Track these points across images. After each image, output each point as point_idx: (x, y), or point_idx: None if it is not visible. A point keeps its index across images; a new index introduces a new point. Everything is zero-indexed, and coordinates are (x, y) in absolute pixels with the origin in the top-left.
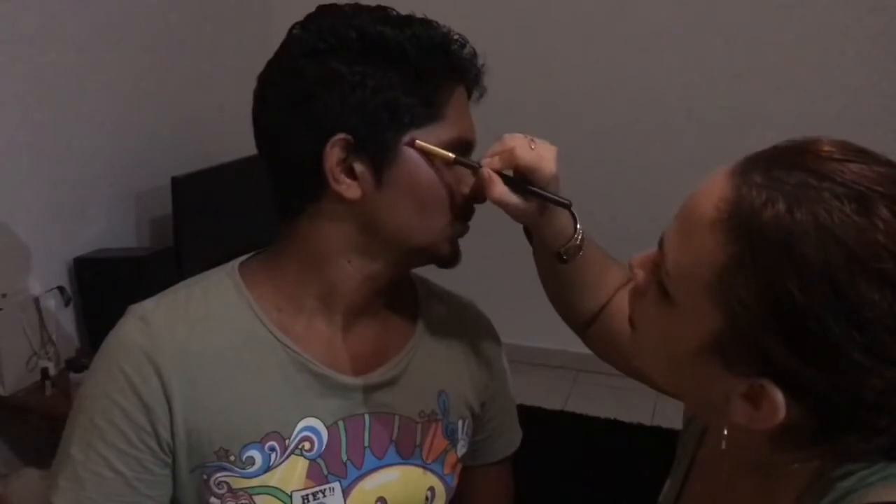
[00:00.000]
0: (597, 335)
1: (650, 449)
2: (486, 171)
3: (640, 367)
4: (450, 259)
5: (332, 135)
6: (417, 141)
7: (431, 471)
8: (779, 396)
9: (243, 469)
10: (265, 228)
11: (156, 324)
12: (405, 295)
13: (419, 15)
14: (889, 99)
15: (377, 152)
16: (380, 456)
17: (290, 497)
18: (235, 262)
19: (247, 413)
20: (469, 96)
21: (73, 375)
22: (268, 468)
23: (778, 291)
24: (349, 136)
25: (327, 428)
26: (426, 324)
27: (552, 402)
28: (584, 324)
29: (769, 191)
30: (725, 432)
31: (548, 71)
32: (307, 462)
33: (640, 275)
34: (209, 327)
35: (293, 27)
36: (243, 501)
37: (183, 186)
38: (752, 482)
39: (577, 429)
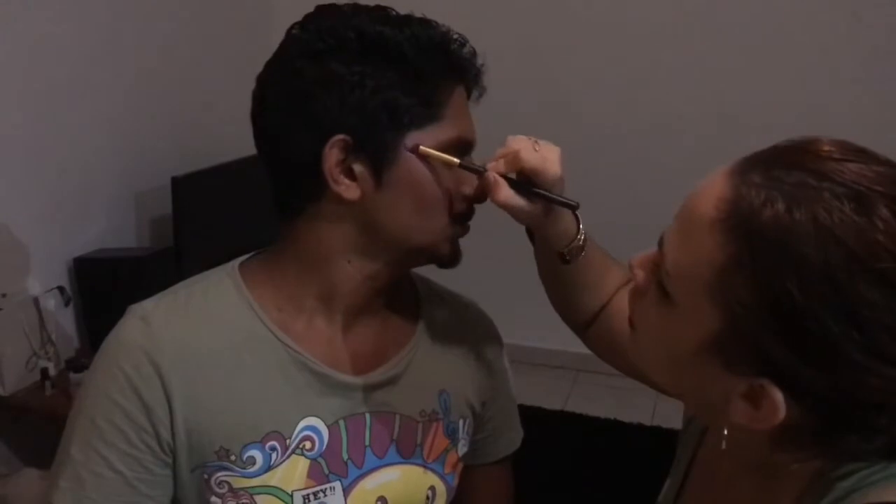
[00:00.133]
0: (597, 335)
1: (650, 449)
2: (492, 175)
3: (639, 367)
4: (450, 259)
5: (332, 135)
6: (421, 147)
7: (432, 470)
8: (778, 396)
9: (244, 469)
10: (265, 228)
11: (156, 324)
12: (406, 294)
13: (418, 15)
14: (889, 99)
15: (376, 153)
16: (380, 455)
17: (291, 496)
18: (235, 262)
19: (247, 413)
20: (469, 96)
21: (73, 375)
22: (268, 468)
23: (777, 291)
24: (348, 137)
25: (328, 427)
26: (427, 323)
27: (552, 402)
28: (585, 324)
29: (768, 190)
30: (725, 432)
31: (548, 70)
32: (308, 461)
33: (640, 275)
34: (209, 327)
35: (292, 27)
36: (244, 501)
37: (183, 186)
38: (752, 482)
39: (577, 429)
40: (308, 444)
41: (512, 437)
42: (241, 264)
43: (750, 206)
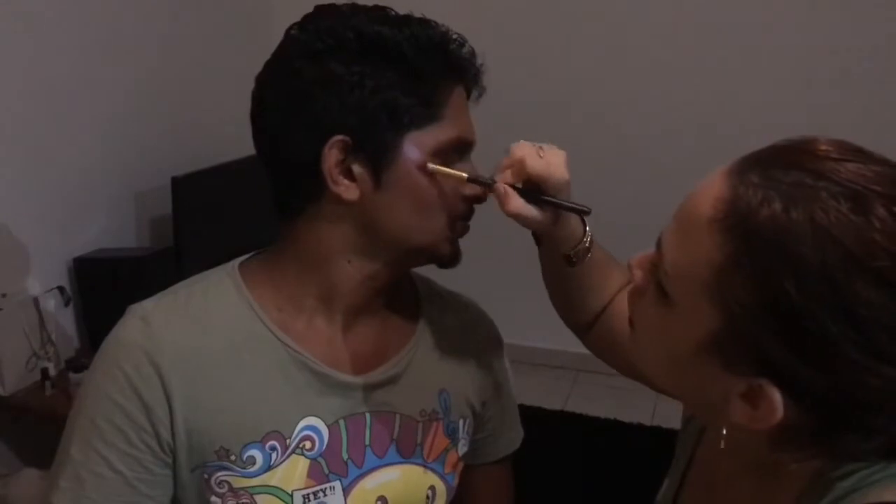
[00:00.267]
0: (598, 336)
1: (650, 449)
2: (501, 187)
3: (639, 368)
4: (450, 259)
5: (331, 136)
6: (429, 164)
7: (432, 470)
8: (777, 396)
9: (244, 468)
10: (265, 228)
11: (156, 324)
12: (406, 294)
13: (417, 14)
14: (888, 99)
15: (376, 153)
16: (380, 455)
17: (291, 496)
18: (235, 262)
19: (247, 412)
20: (468, 96)
21: (73, 375)
22: (269, 467)
23: (775, 291)
24: (347, 138)
25: (328, 427)
26: (427, 323)
27: (552, 402)
28: (587, 325)
29: (765, 190)
30: (724, 432)
31: (547, 70)
32: (308, 461)
33: (639, 275)
34: (209, 327)
35: (290, 28)
36: (244, 501)
37: (183, 186)
38: (751, 482)
39: (577, 429)
40: (308, 444)
41: (512, 437)
42: (241, 264)
43: (747, 206)
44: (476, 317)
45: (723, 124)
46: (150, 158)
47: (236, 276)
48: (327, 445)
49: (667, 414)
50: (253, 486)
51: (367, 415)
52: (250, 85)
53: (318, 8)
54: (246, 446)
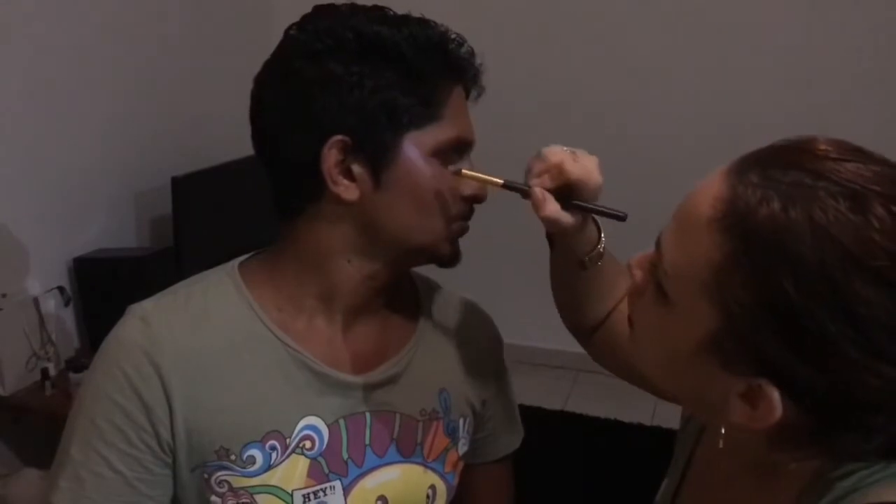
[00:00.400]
0: (601, 340)
1: (650, 449)
2: (540, 192)
3: (638, 368)
4: (450, 258)
5: (330, 136)
6: (464, 170)
7: (432, 469)
8: (775, 395)
9: (244, 468)
10: (265, 228)
11: (155, 324)
12: (406, 293)
13: (416, 14)
14: (888, 99)
15: (375, 153)
16: (381, 454)
17: (291, 496)
18: (235, 262)
19: (247, 412)
20: (467, 96)
21: (73, 375)
22: (269, 467)
23: (773, 290)
24: (347, 138)
25: (328, 426)
26: (427, 322)
27: (552, 402)
28: (590, 329)
29: (764, 189)
30: (723, 431)
31: (546, 70)
32: (308, 461)
33: (639, 275)
34: (209, 327)
35: (289, 28)
36: (244, 500)
37: (183, 186)
38: (751, 482)
39: (577, 429)
40: (308, 444)
41: (512, 437)
42: (241, 264)
43: (746, 205)
44: (476, 316)
45: (723, 124)
46: (150, 158)
47: (236, 276)
48: (327, 445)
49: (667, 414)
50: (253, 486)
51: (367, 414)
52: (250, 85)
53: (317, 8)
54: (246, 446)
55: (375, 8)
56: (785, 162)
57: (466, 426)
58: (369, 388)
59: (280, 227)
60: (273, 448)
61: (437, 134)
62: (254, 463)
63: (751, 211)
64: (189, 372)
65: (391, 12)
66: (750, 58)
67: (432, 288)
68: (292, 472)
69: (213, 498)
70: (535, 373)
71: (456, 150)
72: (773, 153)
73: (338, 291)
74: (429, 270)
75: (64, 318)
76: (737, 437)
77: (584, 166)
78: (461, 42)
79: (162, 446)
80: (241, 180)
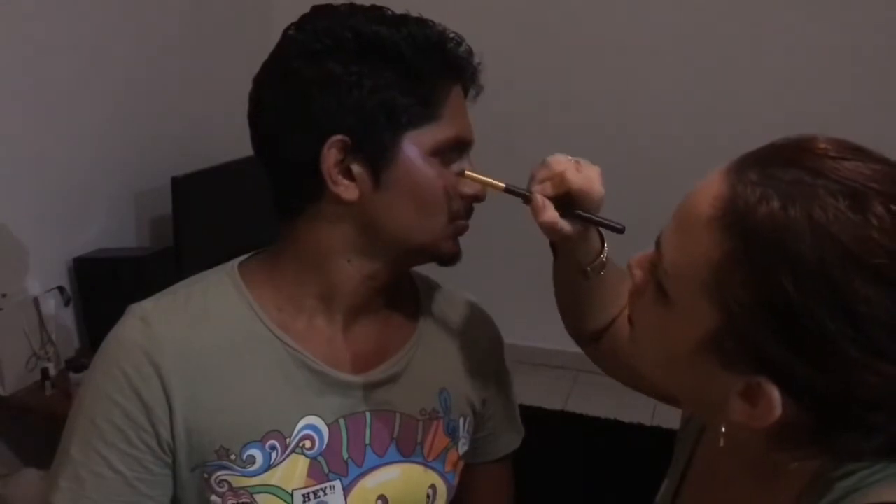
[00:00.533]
0: (604, 347)
1: (650, 449)
2: (540, 199)
3: (638, 368)
4: (450, 257)
5: (330, 136)
6: (467, 171)
7: (432, 469)
8: (775, 394)
9: (244, 468)
10: (265, 228)
11: (155, 324)
12: (406, 293)
13: (414, 14)
14: (888, 99)
15: (375, 153)
16: (381, 454)
17: (291, 495)
18: (235, 262)
19: (247, 412)
20: (465, 95)
21: (73, 375)
22: (268, 467)
23: (773, 288)
24: (346, 138)
25: (328, 426)
26: (427, 322)
27: (552, 402)
28: (593, 337)
29: (764, 188)
30: (723, 430)
31: (545, 70)
32: (308, 460)
33: (638, 275)
34: (209, 326)
35: (288, 28)
36: (244, 500)
37: (183, 186)
38: (751, 481)
39: (577, 429)
40: (308, 443)
41: (512, 436)
42: (241, 264)
43: (746, 204)
44: (476, 315)
45: (723, 124)
46: (149, 158)
47: (236, 276)
48: (327, 445)
49: (667, 414)
50: (253, 486)
51: (368, 414)
52: (250, 85)
53: (316, 8)
54: (246, 446)
55: (374, 8)
56: (784, 160)
57: (466, 426)
58: (369, 388)
59: (280, 227)
60: (273, 448)
61: (436, 133)
62: (254, 463)
63: (750, 209)
64: (189, 372)
65: (390, 12)
66: (750, 58)
67: (432, 287)
68: (292, 472)
69: (213, 498)
70: (535, 373)
71: (455, 150)
72: (773, 152)
73: (338, 291)
74: (429, 269)
75: (64, 318)
76: (737, 437)
77: (586, 176)
78: (459, 41)
79: (162, 446)
80: (241, 180)
